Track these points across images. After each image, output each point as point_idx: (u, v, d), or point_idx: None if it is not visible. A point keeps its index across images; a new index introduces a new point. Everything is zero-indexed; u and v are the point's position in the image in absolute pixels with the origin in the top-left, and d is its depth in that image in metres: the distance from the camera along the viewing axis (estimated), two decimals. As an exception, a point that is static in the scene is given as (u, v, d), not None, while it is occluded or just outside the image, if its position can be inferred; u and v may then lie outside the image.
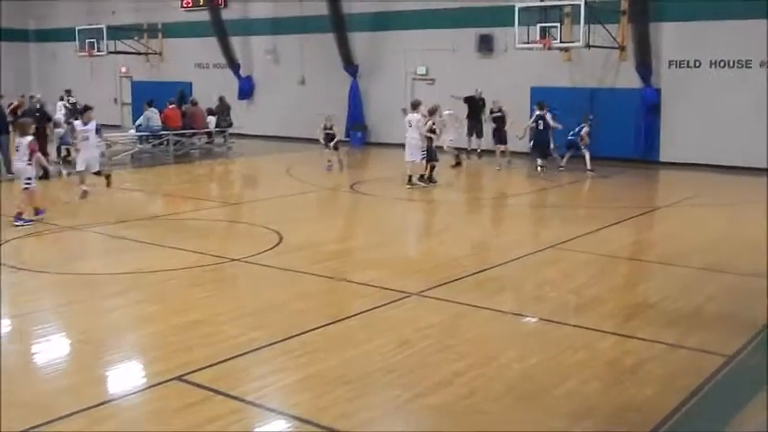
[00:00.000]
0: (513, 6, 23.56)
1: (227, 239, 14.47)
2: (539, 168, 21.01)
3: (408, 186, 18.85)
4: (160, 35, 36.34)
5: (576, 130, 21.95)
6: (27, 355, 8.05)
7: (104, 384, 7.37)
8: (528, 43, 23.55)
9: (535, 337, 8.80)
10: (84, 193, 16.91)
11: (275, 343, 8.14)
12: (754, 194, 18.52)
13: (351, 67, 30.13)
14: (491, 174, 22.57)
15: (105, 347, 8.26)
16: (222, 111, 28.34)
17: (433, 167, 19.53)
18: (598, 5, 22.86)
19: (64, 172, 17.96)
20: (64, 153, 23.04)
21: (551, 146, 22.05)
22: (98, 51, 33.82)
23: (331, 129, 22.06)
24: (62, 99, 29.46)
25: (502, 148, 23.23)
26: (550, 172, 21.15)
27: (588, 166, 21.74)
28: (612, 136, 23.46)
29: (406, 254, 13.54)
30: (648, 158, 24.03)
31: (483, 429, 6.34)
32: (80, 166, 17.37)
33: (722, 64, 22.85)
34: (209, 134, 28.11)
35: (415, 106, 19.52)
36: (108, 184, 17.70)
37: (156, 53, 36.54)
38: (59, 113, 26.63)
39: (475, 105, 24.94)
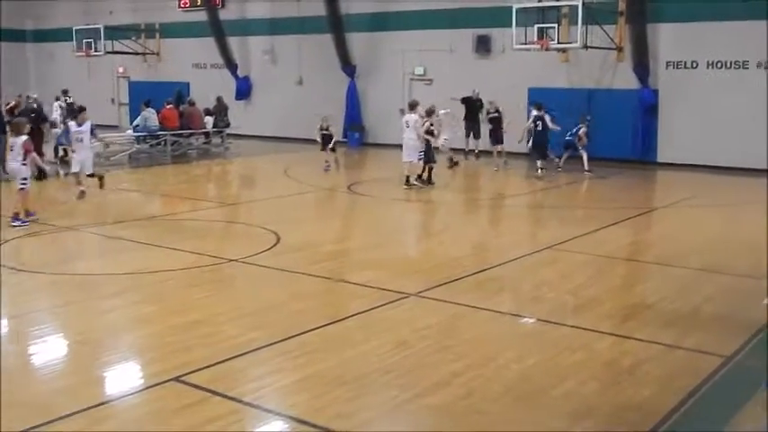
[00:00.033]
0: (511, 7, 23.57)
1: (224, 240, 14.46)
2: (540, 171, 20.93)
3: (406, 187, 18.85)
4: (158, 35, 36.30)
5: (574, 130, 21.97)
6: (24, 356, 8.04)
7: (102, 385, 7.36)
8: (525, 44, 23.56)
9: (533, 337, 8.81)
10: (82, 194, 16.90)
11: (273, 343, 8.13)
12: (751, 195, 18.55)
13: (348, 67, 30.13)
14: (489, 174, 22.57)
15: (103, 348, 8.26)
16: (220, 111, 28.34)
17: (431, 169, 19.54)
18: (595, 6, 22.87)
19: (61, 172, 17.93)
20: (61, 153, 23.00)
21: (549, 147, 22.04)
22: (95, 51, 33.79)
23: (327, 129, 22.07)
24: (58, 99, 29.43)
25: (499, 148, 23.24)
26: (548, 172, 21.13)
27: (586, 167, 21.74)
28: (610, 137, 23.46)
29: (404, 254, 13.53)
30: (646, 159, 24.05)
31: (481, 430, 6.34)
32: (75, 168, 17.33)
33: (719, 65, 22.86)
34: (207, 134, 28.11)
35: (413, 107, 19.53)
36: (101, 186, 17.57)
37: (153, 53, 36.50)
38: (55, 113, 26.62)
39: (472, 106, 24.93)
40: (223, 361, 7.62)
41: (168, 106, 26.40)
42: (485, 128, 24.29)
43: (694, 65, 23.33)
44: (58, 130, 23.03)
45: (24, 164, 14.40)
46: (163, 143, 26.07)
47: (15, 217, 14.12)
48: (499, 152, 23.26)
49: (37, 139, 19.29)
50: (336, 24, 29.37)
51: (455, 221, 16.60)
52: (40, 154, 19.98)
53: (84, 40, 33.97)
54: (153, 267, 11.42)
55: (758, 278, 10.46)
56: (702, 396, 6.92)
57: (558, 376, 7.35)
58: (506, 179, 22.00)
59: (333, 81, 30.17)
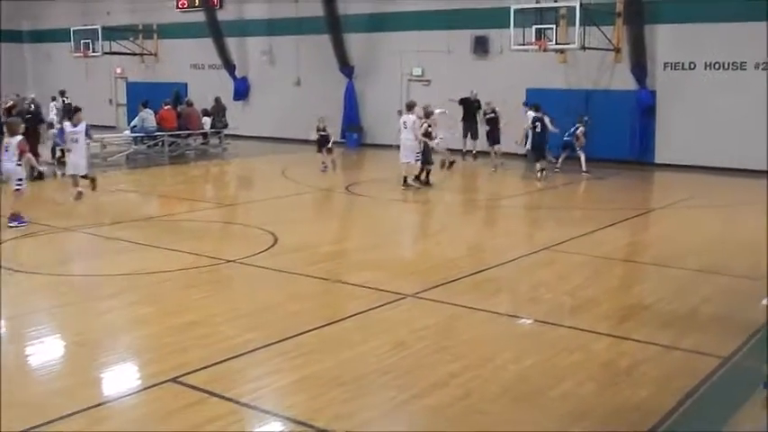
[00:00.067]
0: (509, 8, 23.56)
1: (222, 241, 14.45)
2: (541, 173, 20.87)
3: (404, 187, 18.85)
4: (155, 36, 36.28)
5: (572, 130, 21.96)
6: (22, 357, 8.03)
7: (99, 386, 7.36)
8: (523, 45, 23.57)
9: (531, 338, 8.81)
10: (79, 195, 16.88)
11: (270, 344, 8.13)
12: (748, 196, 18.59)
13: (346, 68, 30.13)
14: (486, 175, 22.57)
15: (100, 349, 8.25)
16: (218, 112, 28.34)
17: (428, 171, 19.53)
18: (593, 7, 22.88)
19: (59, 173, 17.89)
20: (58, 154, 22.97)
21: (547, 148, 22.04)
22: (93, 52, 33.75)
23: (324, 130, 22.03)
24: (54, 99, 29.41)
25: (495, 148, 23.23)
26: (541, 173, 21.08)
27: (583, 168, 21.76)
28: (608, 138, 23.46)
29: (402, 255, 13.53)
30: (643, 160, 24.06)
31: (479, 430, 6.34)
32: (69, 169, 17.29)
33: (717, 66, 22.88)
34: (205, 135, 28.10)
35: (410, 107, 19.52)
36: (93, 188, 17.31)
37: (151, 54, 36.49)
38: (52, 114, 26.60)
39: (470, 107, 24.93)
40: (220, 362, 7.62)
41: (166, 107, 26.40)
42: (482, 128, 24.29)
43: (692, 66, 23.35)
44: (54, 131, 23.00)
45: (19, 164, 14.35)
46: (160, 144, 26.06)
47: (13, 218, 14.10)
48: (496, 152, 23.25)
49: (32, 139, 19.29)
50: (334, 25, 29.37)
51: (452, 222, 16.60)
52: (36, 155, 19.97)
53: (82, 41, 33.94)
54: (150, 268, 11.41)
55: (756, 279, 10.47)
56: (700, 397, 6.93)
57: (556, 377, 7.35)
58: (504, 180, 21.99)
59: (331, 82, 30.17)
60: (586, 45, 22.87)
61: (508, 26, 23.55)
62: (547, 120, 21.01)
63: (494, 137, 23.26)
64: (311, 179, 21.02)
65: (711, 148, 22.80)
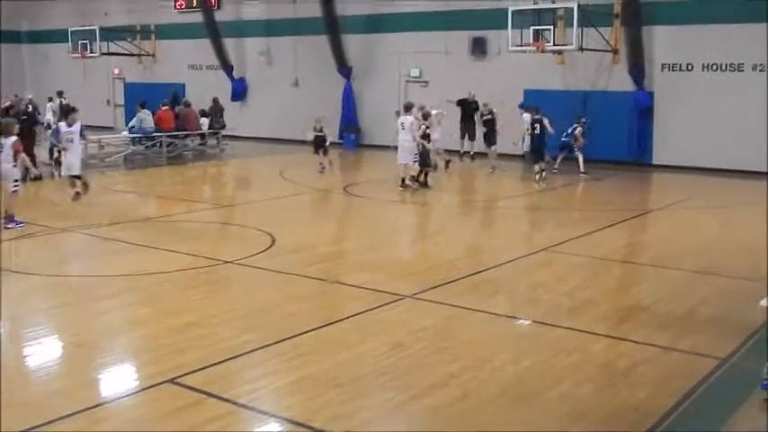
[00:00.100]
0: (507, 9, 23.59)
1: (220, 241, 14.44)
2: (540, 174, 20.84)
3: (401, 188, 18.84)
4: (153, 36, 36.29)
5: (570, 130, 21.95)
6: (20, 358, 8.02)
7: (97, 387, 7.35)
8: (521, 46, 23.58)
9: (529, 339, 8.81)
10: (77, 195, 16.85)
11: (268, 345, 8.12)
12: (746, 197, 18.62)
13: (344, 69, 30.14)
14: (484, 176, 22.56)
15: (98, 350, 8.24)
16: (215, 112, 28.33)
17: (426, 173, 19.53)
18: (591, 8, 22.90)
19: (56, 174, 17.86)
20: (56, 155, 22.92)
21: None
22: (91, 53, 33.72)
23: (321, 131, 21.98)
24: (51, 100, 29.40)
25: (492, 149, 23.20)
26: (540, 175, 21.04)
27: (581, 169, 21.76)
28: (605, 139, 23.47)
29: (400, 256, 13.53)
30: (641, 161, 24.08)
31: (477, 431, 6.35)
32: (64, 169, 17.26)
33: (714, 67, 22.90)
34: (203, 136, 28.11)
35: (408, 109, 19.52)
36: (85, 191, 17.00)
37: (149, 54, 36.49)
38: (48, 114, 26.57)
39: (468, 108, 24.92)
40: (218, 363, 7.61)
41: (164, 108, 26.40)
42: (479, 130, 24.27)
43: (689, 67, 23.37)
44: (50, 131, 22.95)
45: (15, 165, 14.32)
46: (158, 144, 26.05)
47: (9, 219, 14.07)
48: (492, 154, 23.23)
49: (28, 140, 19.26)
50: (332, 26, 29.37)
51: (450, 223, 16.60)
52: (32, 156, 19.94)
53: (80, 42, 33.91)
54: (148, 269, 11.40)
55: (753, 280, 10.49)
56: (698, 398, 6.93)
57: (554, 378, 7.35)
58: (502, 181, 21.98)
59: (329, 83, 30.18)
60: (584, 46, 22.89)
61: (506, 27, 23.57)
62: (546, 121, 20.99)
63: (490, 138, 23.26)
64: (309, 180, 21.02)
65: (709, 149, 22.82)
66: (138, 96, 29.39)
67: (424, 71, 28.47)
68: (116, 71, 38.12)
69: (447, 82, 26.78)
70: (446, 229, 15.96)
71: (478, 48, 27.00)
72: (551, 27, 23.40)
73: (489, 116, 23.31)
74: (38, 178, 18.34)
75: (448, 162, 22.53)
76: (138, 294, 10.29)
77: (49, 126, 23.50)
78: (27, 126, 19.76)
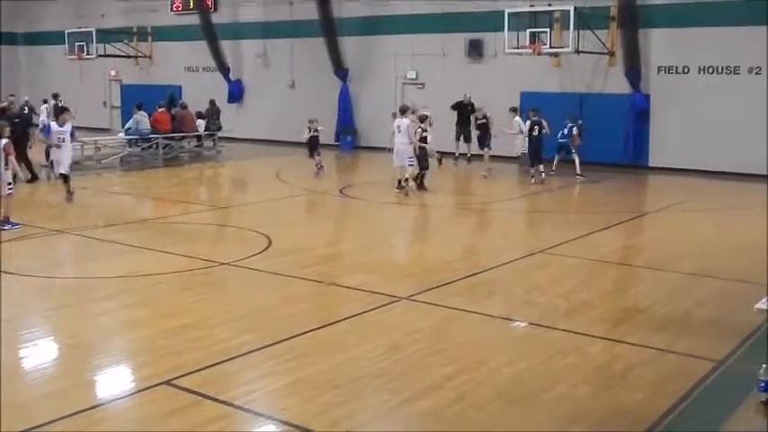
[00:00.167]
0: (503, 11, 23.59)
1: (216, 243, 14.42)
2: (540, 176, 20.85)
3: (398, 190, 18.81)
4: (150, 38, 36.25)
5: (566, 131, 21.89)
6: (15, 360, 7.99)
7: (93, 389, 7.34)
8: (518, 48, 23.58)
9: (525, 341, 8.80)
10: (70, 195, 16.83)
11: (264, 347, 8.12)
12: (742, 200, 18.65)
13: (341, 71, 30.14)
14: (480, 178, 22.55)
15: (94, 352, 8.23)
16: (212, 114, 28.30)
17: (423, 175, 19.53)
18: (587, 11, 22.93)
19: (52, 175, 17.83)
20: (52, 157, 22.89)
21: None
22: (87, 54, 33.64)
23: (316, 131, 21.83)
24: (45, 102, 29.35)
25: (485, 151, 23.15)
26: (537, 177, 21.06)
27: (578, 171, 21.76)
28: (602, 141, 23.49)
29: (396, 258, 13.53)
30: (637, 164, 24.11)
31: (473, 434, 6.35)
32: (57, 169, 17.26)
33: (711, 70, 22.93)
34: (199, 137, 28.08)
35: (404, 111, 19.47)
36: (68, 197, 17.06)
37: (145, 56, 36.44)
38: (43, 116, 26.53)
39: (464, 110, 24.91)
40: (214, 364, 7.60)
41: (160, 109, 26.37)
42: (474, 132, 24.23)
43: (686, 70, 23.40)
44: (40, 130, 22.89)
45: (7, 168, 14.25)
46: (155, 146, 26.03)
47: (6, 221, 14.04)
48: (488, 157, 23.21)
49: (22, 142, 19.22)
50: (329, 28, 29.36)
51: (447, 225, 16.60)
52: (26, 158, 19.93)
53: (76, 43, 33.82)
54: (145, 271, 11.39)
55: (750, 282, 10.48)
56: (695, 400, 6.93)
57: (550, 380, 7.35)
58: (498, 183, 21.96)
59: (325, 84, 30.18)
60: (581, 49, 22.92)
61: (502, 29, 23.56)
62: (545, 123, 21.01)
63: (484, 141, 23.25)
64: (305, 182, 21.00)
65: (705, 151, 22.85)
66: (134, 98, 29.36)
67: (420, 73, 28.49)
68: (112, 73, 38.08)
69: (443, 84, 26.79)
70: (442, 230, 15.95)
71: (475, 50, 27.02)
72: (548, 29, 23.38)
73: (484, 120, 23.29)
74: (34, 179, 18.33)
75: (440, 159, 22.47)
76: (134, 296, 10.28)
77: (44, 128, 23.42)
78: (21, 128, 19.70)
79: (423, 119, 19.65)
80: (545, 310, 9.86)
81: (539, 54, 23.58)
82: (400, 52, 28.42)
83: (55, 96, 29.73)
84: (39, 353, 8.27)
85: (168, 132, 26.19)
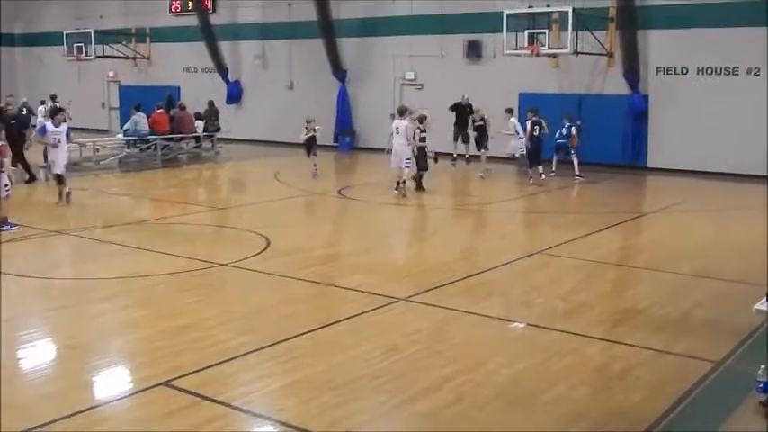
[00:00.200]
0: (502, 13, 23.59)
1: (214, 244, 14.42)
2: (541, 177, 20.85)
3: (396, 191, 18.80)
4: (148, 39, 36.23)
5: (564, 132, 21.86)
6: (14, 360, 7.98)
7: (91, 390, 7.34)
8: (516, 49, 23.59)
9: (523, 342, 8.80)
10: (67, 195, 16.82)
11: (263, 348, 8.12)
12: (740, 200, 18.67)
13: (339, 72, 30.13)
14: (478, 179, 22.54)
15: (92, 352, 8.23)
16: (210, 115, 28.28)
17: (421, 176, 19.52)
18: (586, 12, 22.94)
19: (50, 176, 17.82)
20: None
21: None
22: (86, 56, 33.64)
23: (314, 131, 21.82)
24: (43, 103, 29.33)
25: (482, 152, 23.15)
26: (536, 178, 21.05)
27: (576, 172, 21.76)
28: (600, 142, 23.50)
29: (394, 259, 13.52)
30: (636, 164, 24.11)
31: (471, 435, 6.35)
32: (52, 169, 17.26)
33: (709, 71, 22.93)
34: (197, 139, 28.05)
35: (402, 113, 19.46)
36: (59, 200, 16.97)
37: (144, 57, 36.44)
38: (40, 117, 26.51)
39: (462, 112, 24.90)
40: (212, 365, 7.60)
41: (159, 110, 26.34)
42: (471, 134, 24.22)
43: (684, 71, 23.40)
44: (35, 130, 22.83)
45: (3, 170, 14.22)
46: (153, 147, 26.01)
47: (4, 221, 14.03)
48: (485, 158, 23.21)
49: (19, 143, 19.19)
50: (327, 29, 29.36)
51: (445, 226, 16.60)
52: (23, 159, 19.90)
53: (75, 45, 33.82)
54: (143, 271, 11.39)
55: (748, 283, 10.50)
56: (693, 401, 6.94)
57: (549, 381, 7.35)
58: (497, 184, 21.96)
59: (323, 85, 30.17)
60: (579, 50, 22.93)
61: (501, 31, 23.56)
62: (544, 124, 21.01)
63: (481, 142, 23.23)
64: (304, 182, 21.00)
65: (703, 152, 22.85)
66: (132, 99, 29.32)
67: (418, 74, 28.48)
68: (111, 74, 38.06)
69: (442, 85, 26.79)
70: (441, 231, 15.95)
71: (473, 51, 27.02)
72: (546, 30, 23.39)
73: (481, 122, 23.28)
74: (32, 180, 18.31)
75: (435, 158, 22.44)
76: (132, 297, 10.28)
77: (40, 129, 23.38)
78: (17, 129, 19.67)
79: (422, 119, 19.64)
80: (543, 310, 9.86)
81: (537, 55, 23.59)
82: (399, 53, 28.42)
83: (53, 98, 29.70)
84: (37, 354, 8.26)
85: (167, 133, 26.18)
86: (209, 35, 32.58)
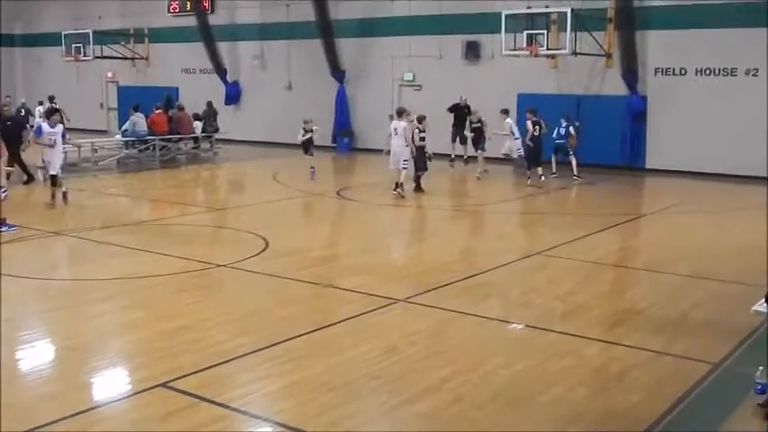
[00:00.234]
0: (500, 13, 23.59)
1: (213, 245, 14.41)
2: (540, 178, 20.85)
3: (395, 192, 18.79)
4: (147, 40, 36.20)
5: (563, 132, 21.82)
6: (12, 361, 7.98)
7: (90, 391, 7.33)
8: (515, 50, 23.58)
9: (521, 343, 8.80)
10: (64, 195, 16.81)
11: (261, 349, 8.11)
12: (739, 202, 18.67)
13: (338, 72, 30.13)
14: (476, 180, 22.55)
15: (91, 353, 8.22)
16: (209, 116, 28.27)
17: (419, 177, 19.51)
18: (585, 13, 22.94)
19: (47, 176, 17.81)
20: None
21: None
22: (84, 56, 33.63)
23: (312, 131, 21.75)
24: (41, 104, 29.31)
25: (479, 153, 23.14)
26: (535, 179, 21.05)
27: (575, 173, 21.76)
28: (599, 143, 23.51)
29: (393, 260, 13.53)
30: (634, 165, 24.10)
31: (469, 436, 6.35)
32: (48, 170, 17.25)
33: (708, 72, 22.94)
34: (196, 139, 28.03)
35: (401, 113, 19.45)
36: (52, 202, 16.88)
37: (142, 58, 36.42)
38: (38, 118, 26.50)
39: (460, 113, 24.90)
40: (211, 367, 7.60)
41: (157, 111, 26.31)
42: (469, 135, 24.20)
43: (683, 71, 23.41)
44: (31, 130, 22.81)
45: None
46: (151, 148, 25.98)
47: (2, 222, 14.03)
48: (482, 159, 23.19)
49: (16, 143, 19.18)
50: (326, 30, 29.35)
51: (444, 227, 16.60)
52: (20, 159, 19.87)
53: (73, 45, 33.82)
54: (141, 272, 11.38)
55: (746, 284, 10.51)
56: (692, 402, 6.94)
57: (547, 382, 7.35)
58: (495, 185, 21.97)
59: (322, 86, 30.16)
60: (578, 50, 22.92)
61: (499, 31, 23.55)
62: (543, 124, 21.01)
63: (478, 143, 23.22)
64: (302, 183, 20.98)
65: (702, 153, 22.86)
66: (131, 100, 29.26)
67: (417, 75, 28.48)
68: (109, 74, 38.05)
69: (440, 86, 26.78)
70: (439, 232, 15.95)
71: (472, 52, 27.01)
72: (545, 31, 23.37)
73: (478, 124, 23.27)
74: (30, 180, 18.28)
75: (430, 157, 22.39)
76: (130, 298, 10.27)
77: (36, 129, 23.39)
78: (14, 130, 19.65)
79: (421, 119, 19.62)
80: (542, 312, 9.86)
81: (536, 56, 23.58)
82: (397, 54, 28.42)
83: (51, 99, 29.71)
84: (36, 354, 8.26)
85: (165, 134, 26.15)
86: (207, 36, 32.57)
